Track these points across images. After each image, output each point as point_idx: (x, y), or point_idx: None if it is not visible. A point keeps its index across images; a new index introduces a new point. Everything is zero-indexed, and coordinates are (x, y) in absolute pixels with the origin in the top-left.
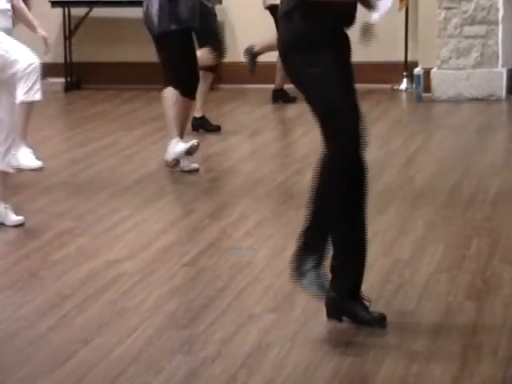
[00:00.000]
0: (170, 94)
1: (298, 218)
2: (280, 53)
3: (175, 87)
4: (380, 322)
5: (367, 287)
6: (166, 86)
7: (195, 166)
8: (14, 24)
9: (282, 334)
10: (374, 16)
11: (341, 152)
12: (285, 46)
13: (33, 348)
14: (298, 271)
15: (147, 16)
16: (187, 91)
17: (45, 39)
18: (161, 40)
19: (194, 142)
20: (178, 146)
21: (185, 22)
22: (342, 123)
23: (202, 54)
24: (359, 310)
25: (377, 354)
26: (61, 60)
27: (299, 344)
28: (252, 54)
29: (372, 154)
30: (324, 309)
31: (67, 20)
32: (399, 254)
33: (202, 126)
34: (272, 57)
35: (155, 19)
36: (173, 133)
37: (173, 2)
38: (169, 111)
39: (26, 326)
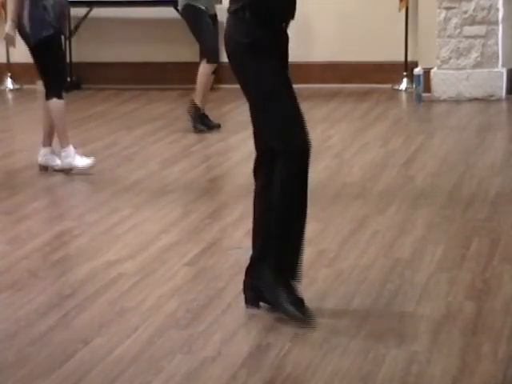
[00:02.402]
0: (58, 104)
1: None
2: (228, 50)
3: (55, 94)
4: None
5: (367, 287)
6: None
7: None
8: None
9: (281, 334)
10: None
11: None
12: (235, 45)
13: (33, 348)
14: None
15: (20, 27)
16: (59, 94)
17: None
18: (37, 48)
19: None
20: (82, 161)
21: (54, 28)
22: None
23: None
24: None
25: (377, 354)
26: None
27: (299, 344)
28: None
29: (372, 154)
30: (324, 309)
31: (67, 20)
32: (399, 253)
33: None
34: None
35: (28, 29)
36: (65, 142)
37: (41, 10)
38: (59, 122)
39: (26, 325)
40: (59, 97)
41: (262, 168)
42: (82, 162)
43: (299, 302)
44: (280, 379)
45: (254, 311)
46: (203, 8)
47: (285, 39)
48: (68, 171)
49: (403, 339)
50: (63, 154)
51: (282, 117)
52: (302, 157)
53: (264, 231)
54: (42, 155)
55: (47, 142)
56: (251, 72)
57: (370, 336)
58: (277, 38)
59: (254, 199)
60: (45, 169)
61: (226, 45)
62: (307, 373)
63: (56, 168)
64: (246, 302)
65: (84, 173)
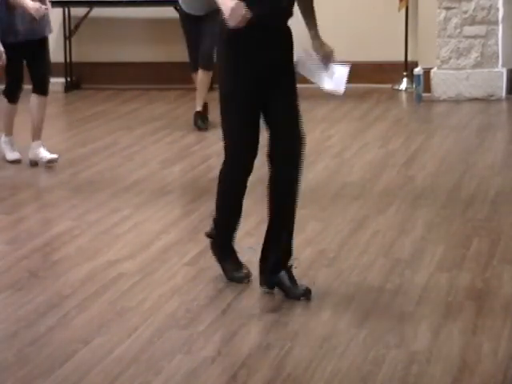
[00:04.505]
0: (7, 106)
1: (297, 218)
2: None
3: (5, 95)
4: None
5: (367, 287)
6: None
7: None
8: None
9: (282, 334)
10: (326, 87)
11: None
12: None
13: (33, 348)
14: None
15: None
16: (11, 97)
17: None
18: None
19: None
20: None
21: (22, 36)
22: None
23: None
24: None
25: (377, 354)
26: (61, 60)
27: (299, 344)
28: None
29: (372, 154)
30: (324, 309)
31: (67, 20)
32: (399, 253)
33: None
34: None
35: None
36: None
37: (11, 16)
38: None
39: (26, 325)
40: (8, 99)
41: None
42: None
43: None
44: (280, 379)
45: (255, 310)
46: (186, 11)
47: (269, 35)
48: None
49: (403, 339)
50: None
51: (230, 128)
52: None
53: None
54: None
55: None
56: (221, 71)
57: (370, 336)
58: (255, 36)
59: None
60: (36, 164)
61: None
62: (307, 373)
63: (44, 160)
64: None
65: (85, 173)
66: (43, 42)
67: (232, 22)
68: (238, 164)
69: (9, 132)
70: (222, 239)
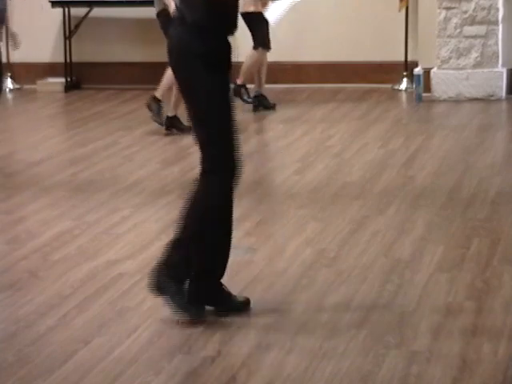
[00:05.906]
0: None
1: (297, 218)
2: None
3: None
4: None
5: (367, 287)
6: None
7: None
8: None
9: (282, 334)
10: (271, 20)
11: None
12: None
13: (33, 348)
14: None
15: None
16: None
17: None
18: None
19: None
20: None
21: None
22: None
23: None
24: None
25: (377, 354)
26: (61, 60)
27: (299, 344)
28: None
29: (372, 154)
30: (324, 309)
31: (67, 20)
32: (399, 253)
33: (174, 125)
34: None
35: None
36: None
37: None
38: None
39: (26, 325)
40: None
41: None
42: None
43: None
44: (280, 379)
45: (255, 310)
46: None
47: (230, 50)
48: None
49: (403, 339)
50: None
51: (214, 140)
52: (229, 181)
53: None
54: None
55: None
56: (198, 84)
57: (369, 336)
58: (227, 49)
59: None
60: None
61: (173, 54)
62: (307, 373)
63: None
64: None
65: (85, 173)
66: None
67: None
68: (233, 170)
69: None
70: (214, 280)
